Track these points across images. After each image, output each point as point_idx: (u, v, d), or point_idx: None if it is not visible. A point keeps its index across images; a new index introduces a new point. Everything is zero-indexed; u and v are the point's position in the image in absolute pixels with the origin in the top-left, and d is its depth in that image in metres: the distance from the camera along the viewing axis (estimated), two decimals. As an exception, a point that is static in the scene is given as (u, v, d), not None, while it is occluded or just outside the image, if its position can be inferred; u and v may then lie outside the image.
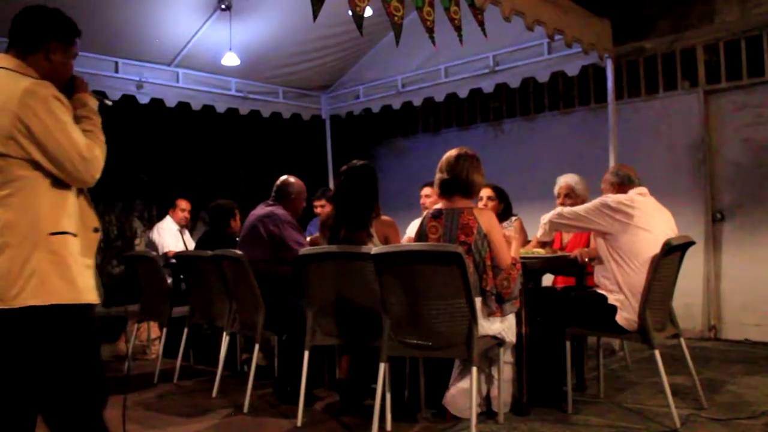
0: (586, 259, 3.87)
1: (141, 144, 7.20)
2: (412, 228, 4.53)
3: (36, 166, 1.99)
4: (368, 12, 3.79)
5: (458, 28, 4.03)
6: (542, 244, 4.27)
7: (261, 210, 4.29)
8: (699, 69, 5.89)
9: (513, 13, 4.29)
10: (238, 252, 4.06)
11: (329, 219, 3.79)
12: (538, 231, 3.97)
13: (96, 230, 2.23)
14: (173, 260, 5.13)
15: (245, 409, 3.78)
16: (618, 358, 4.86)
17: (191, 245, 6.26)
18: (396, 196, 6.29)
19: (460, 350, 3.07)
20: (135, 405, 4.03)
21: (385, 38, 6.50)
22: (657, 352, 3.29)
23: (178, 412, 3.86)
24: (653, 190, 3.73)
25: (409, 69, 6.81)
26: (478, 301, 3.15)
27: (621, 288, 3.44)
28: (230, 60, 5.74)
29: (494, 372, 3.49)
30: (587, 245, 4.30)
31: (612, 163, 5.26)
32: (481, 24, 4.13)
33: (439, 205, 3.47)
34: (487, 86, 6.30)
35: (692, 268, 5.14)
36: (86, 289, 2.05)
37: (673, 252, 3.44)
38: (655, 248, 3.35)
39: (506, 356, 3.51)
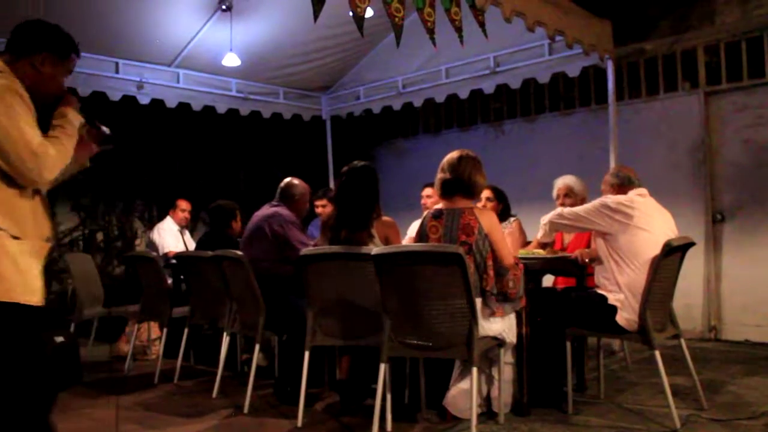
0: (587, 260, 3.87)
1: (141, 145, 7.21)
2: (413, 228, 4.53)
3: None
4: (369, 13, 3.80)
5: (459, 29, 4.03)
6: (543, 245, 4.28)
7: (266, 210, 4.33)
8: (699, 70, 5.89)
9: (514, 14, 4.29)
10: (239, 252, 4.08)
11: (330, 219, 3.80)
12: (538, 232, 3.97)
13: (48, 240, 2.14)
14: (173, 261, 5.13)
15: (245, 409, 3.78)
16: (618, 359, 4.87)
17: (191, 245, 6.27)
18: (396, 196, 6.29)
19: (461, 351, 3.07)
20: (135, 405, 4.04)
21: (386, 39, 6.50)
22: (657, 353, 3.29)
23: (179, 413, 3.86)
24: (653, 190, 3.74)
25: (409, 70, 6.82)
26: (478, 301, 3.15)
27: (621, 288, 3.44)
28: (231, 61, 5.74)
29: (494, 372, 3.49)
30: (588, 246, 4.30)
31: (612, 164, 5.27)
32: (482, 25, 4.13)
33: (439, 205, 3.48)
34: (488, 87, 6.31)
35: (692, 268, 5.15)
36: (21, 288, 1.97)
37: (673, 253, 3.44)
38: (655, 249, 3.35)
39: (507, 357, 3.51)
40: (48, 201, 2.21)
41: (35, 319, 2.03)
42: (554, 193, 4.72)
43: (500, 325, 3.28)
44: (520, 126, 7.23)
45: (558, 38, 4.89)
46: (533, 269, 3.66)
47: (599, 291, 3.57)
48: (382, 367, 3.17)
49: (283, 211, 4.27)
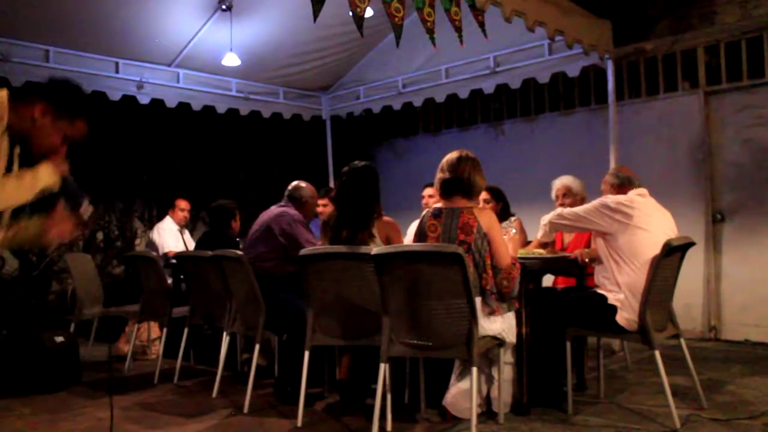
0: (587, 260, 3.87)
1: (141, 144, 7.21)
2: (413, 228, 4.53)
3: None
4: (369, 13, 3.80)
5: (459, 29, 4.03)
6: (543, 245, 4.28)
7: (274, 210, 4.38)
8: (699, 70, 5.89)
9: (514, 14, 4.30)
10: (239, 252, 4.09)
11: (331, 219, 3.80)
12: (538, 232, 3.97)
13: None
14: (173, 260, 5.13)
15: (245, 409, 3.78)
16: (618, 359, 4.87)
17: (191, 245, 6.27)
18: (396, 196, 6.29)
19: (461, 351, 3.07)
20: (135, 405, 4.03)
21: (386, 39, 6.51)
22: (657, 353, 3.29)
23: (179, 412, 3.86)
24: (653, 190, 3.74)
25: (409, 70, 6.82)
26: (477, 300, 3.15)
27: (621, 288, 3.44)
28: (231, 60, 5.74)
29: (494, 372, 3.49)
30: (587, 246, 4.30)
31: (612, 164, 5.27)
32: (482, 25, 4.14)
33: (439, 205, 3.48)
34: (488, 87, 6.31)
35: (692, 268, 5.15)
36: None
37: (673, 253, 3.44)
38: (655, 248, 3.35)
39: (506, 356, 3.51)
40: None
41: None
42: (553, 194, 4.73)
43: (500, 325, 3.28)
44: (520, 126, 7.23)
45: (558, 38, 4.89)
46: (533, 269, 3.66)
47: (599, 291, 3.57)
48: (382, 366, 3.17)
49: (291, 210, 4.32)
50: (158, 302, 4.83)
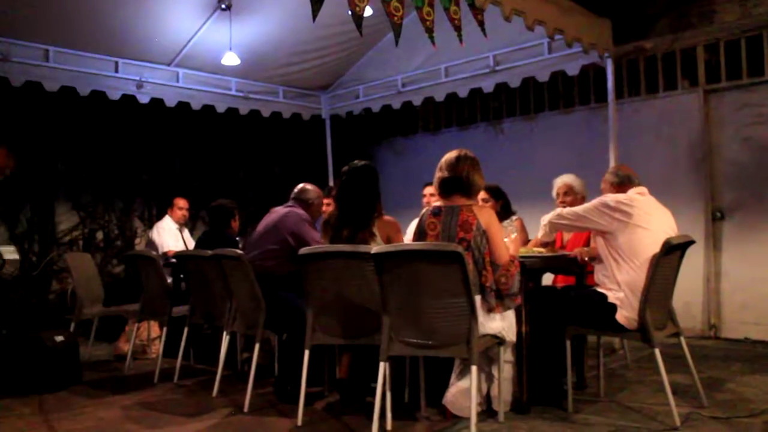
0: (586, 258, 3.87)
1: (141, 144, 7.21)
2: (413, 227, 4.53)
3: None
4: (368, 12, 3.80)
5: (458, 28, 4.03)
6: (544, 245, 4.28)
7: (281, 210, 4.39)
8: (699, 68, 5.89)
9: (513, 13, 4.29)
10: (239, 251, 4.10)
11: (332, 218, 3.81)
12: (539, 232, 3.97)
13: None
14: (173, 260, 5.13)
15: (246, 408, 3.78)
16: (618, 357, 4.87)
17: (191, 244, 6.27)
18: (396, 195, 6.29)
19: (461, 349, 3.07)
20: (135, 404, 4.04)
21: (385, 38, 6.51)
22: (657, 351, 3.29)
23: (179, 412, 3.86)
24: (653, 189, 3.74)
25: (409, 69, 6.82)
26: (477, 298, 3.15)
27: (621, 287, 3.44)
28: (230, 60, 5.74)
29: (494, 371, 3.49)
30: (587, 244, 4.30)
31: (612, 163, 5.27)
32: (481, 24, 4.14)
33: (438, 203, 3.48)
34: (487, 86, 6.31)
35: (692, 266, 5.16)
36: None
37: (673, 251, 3.44)
38: (655, 247, 3.35)
39: (506, 355, 3.51)
40: None
41: None
42: (554, 192, 4.74)
43: (500, 324, 3.28)
44: (520, 125, 7.22)
45: (557, 37, 4.89)
46: (533, 268, 3.66)
47: (599, 289, 3.57)
48: (382, 365, 3.17)
49: (298, 210, 4.34)
50: (158, 301, 4.83)
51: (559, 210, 3.82)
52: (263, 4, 5.48)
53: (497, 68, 6.17)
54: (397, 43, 3.72)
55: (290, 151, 8.36)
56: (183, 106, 6.47)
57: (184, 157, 7.64)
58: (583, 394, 3.93)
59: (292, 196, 4.49)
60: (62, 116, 6.54)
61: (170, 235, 6.22)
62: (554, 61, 5.78)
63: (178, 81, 6.36)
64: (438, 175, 3.46)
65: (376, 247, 3.20)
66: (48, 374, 4.36)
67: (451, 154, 3.47)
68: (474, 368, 3.01)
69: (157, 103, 6.26)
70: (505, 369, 3.49)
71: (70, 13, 5.12)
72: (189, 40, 5.88)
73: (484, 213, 3.34)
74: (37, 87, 5.51)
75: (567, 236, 4.74)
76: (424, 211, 3.55)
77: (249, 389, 3.83)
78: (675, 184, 5.81)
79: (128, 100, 6.10)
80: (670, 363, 3.56)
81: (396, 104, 7.08)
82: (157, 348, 5.27)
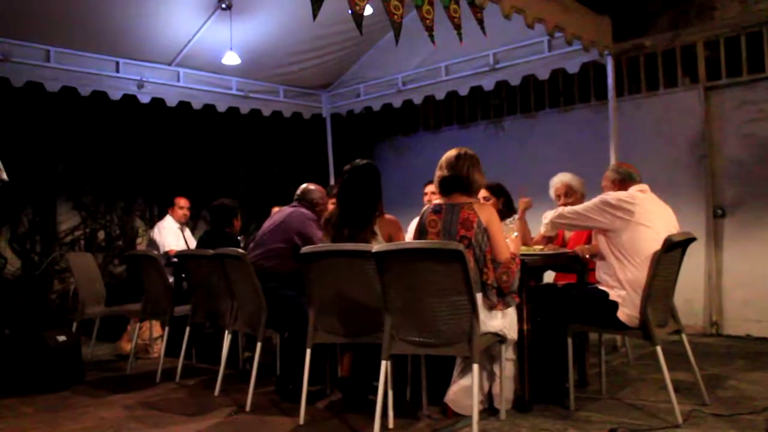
0: (587, 256, 3.87)
1: (142, 143, 7.22)
2: (414, 225, 4.53)
3: None
4: (368, 11, 3.80)
5: (458, 27, 4.03)
6: (547, 240, 4.26)
7: (287, 209, 4.42)
8: (699, 65, 5.89)
9: (513, 10, 4.29)
10: (240, 250, 4.10)
11: (333, 217, 3.81)
12: (540, 228, 3.97)
13: None
14: (175, 259, 5.14)
15: (247, 407, 3.78)
16: (620, 355, 4.87)
17: (192, 243, 6.28)
18: (396, 193, 6.30)
19: (462, 347, 3.08)
20: (137, 404, 4.04)
21: (386, 37, 6.51)
22: (659, 348, 3.29)
23: (181, 411, 3.87)
24: (654, 186, 3.73)
25: (409, 67, 6.82)
26: (478, 296, 3.15)
27: (622, 284, 3.44)
28: (231, 59, 5.74)
29: (496, 369, 3.49)
30: (588, 242, 4.30)
31: (613, 160, 5.27)
32: (481, 22, 4.14)
33: (439, 201, 3.48)
34: (488, 84, 6.31)
35: (693, 264, 5.16)
36: None
37: (674, 248, 3.44)
38: (657, 245, 3.35)
39: (508, 353, 3.51)
40: None
41: None
42: (551, 192, 4.70)
43: (501, 321, 3.28)
44: (520, 122, 7.23)
45: (557, 35, 4.90)
46: (534, 266, 3.66)
47: (600, 287, 3.57)
48: (384, 364, 3.17)
49: (303, 209, 4.37)
50: (160, 301, 4.84)
51: (560, 209, 3.81)
52: (264, 3, 5.48)
53: (497, 66, 6.17)
54: (397, 42, 3.72)
55: (291, 150, 8.36)
56: (184, 105, 6.47)
57: (185, 156, 7.65)
58: (585, 391, 3.93)
59: (296, 196, 4.50)
60: (63, 116, 6.55)
61: (171, 235, 6.22)
62: (554, 59, 5.78)
63: (178, 81, 6.36)
64: (438, 173, 3.46)
65: (377, 246, 3.20)
66: (50, 374, 4.37)
67: (451, 153, 3.47)
68: (475, 366, 3.01)
69: (157, 102, 6.26)
70: (507, 367, 3.49)
71: (70, 14, 5.12)
72: (190, 40, 5.88)
73: (484, 210, 3.34)
74: (38, 87, 5.52)
75: (568, 234, 4.74)
76: (424, 209, 3.55)
77: (251, 388, 3.83)
78: (676, 181, 5.81)
79: (129, 100, 6.11)
80: (672, 360, 3.57)
81: (396, 103, 7.08)
82: (159, 347, 5.28)
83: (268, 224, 4.43)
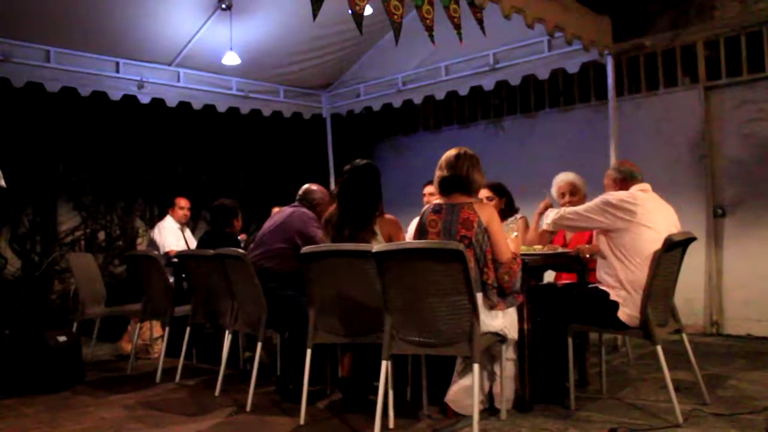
0: (588, 255, 3.87)
1: (142, 144, 7.22)
2: (414, 225, 4.53)
3: None
4: (368, 11, 3.80)
5: (458, 27, 4.03)
6: (549, 235, 4.24)
7: (288, 209, 4.41)
8: (699, 65, 5.89)
9: (513, 10, 4.29)
10: (240, 250, 4.10)
11: (333, 217, 3.81)
12: (542, 224, 3.97)
13: None
14: (175, 259, 5.14)
15: (248, 407, 3.78)
16: (620, 355, 4.87)
17: (192, 243, 6.28)
18: (396, 193, 6.29)
19: (463, 347, 3.08)
20: (137, 404, 4.04)
21: (386, 37, 6.51)
22: (659, 348, 3.29)
23: (181, 411, 3.87)
24: (654, 186, 3.73)
25: (409, 67, 6.83)
26: (479, 296, 3.15)
27: (623, 284, 3.44)
28: (231, 59, 5.74)
29: (496, 369, 3.49)
30: (589, 242, 4.30)
31: (613, 160, 5.27)
32: (480, 22, 4.14)
33: (439, 200, 3.48)
34: (488, 84, 6.31)
35: (694, 263, 5.15)
36: None
37: (674, 248, 3.44)
38: (658, 245, 3.34)
39: (508, 353, 3.51)
40: None
41: None
42: (554, 191, 4.64)
43: (502, 321, 3.28)
44: (520, 122, 7.23)
45: (557, 34, 4.90)
46: (534, 265, 3.66)
47: (601, 287, 3.57)
48: (384, 364, 3.17)
49: (304, 209, 4.36)
50: (160, 301, 4.84)
51: (561, 210, 3.80)
52: (264, 3, 5.48)
53: (497, 66, 6.17)
54: (397, 42, 3.72)
55: (291, 150, 8.36)
56: (184, 105, 6.47)
57: (186, 156, 7.65)
58: (586, 391, 3.93)
59: (298, 197, 4.49)
60: (63, 117, 6.55)
61: (172, 235, 6.22)
62: (554, 59, 5.78)
63: (178, 81, 6.36)
64: (438, 173, 3.45)
65: (377, 246, 3.20)
66: (51, 374, 4.37)
67: (450, 153, 3.46)
68: (476, 366, 3.01)
69: (158, 103, 6.27)
70: (507, 367, 3.49)
71: (70, 14, 5.12)
72: (189, 40, 5.88)
73: (485, 210, 3.34)
74: (38, 88, 5.52)
75: (569, 234, 4.73)
76: (425, 208, 3.55)
77: (251, 388, 3.83)
78: (676, 181, 5.81)
79: (129, 100, 6.11)
80: (673, 360, 3.57)
81: (396, 103, 7.09)
82: (160, 347, 5.27)
83: (268, 224, 4.43)
